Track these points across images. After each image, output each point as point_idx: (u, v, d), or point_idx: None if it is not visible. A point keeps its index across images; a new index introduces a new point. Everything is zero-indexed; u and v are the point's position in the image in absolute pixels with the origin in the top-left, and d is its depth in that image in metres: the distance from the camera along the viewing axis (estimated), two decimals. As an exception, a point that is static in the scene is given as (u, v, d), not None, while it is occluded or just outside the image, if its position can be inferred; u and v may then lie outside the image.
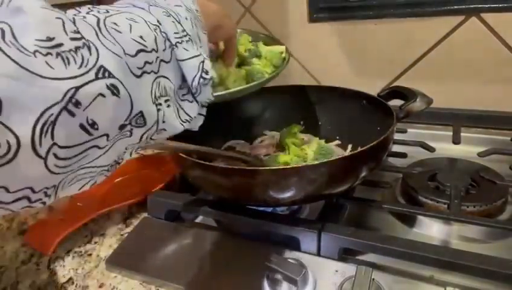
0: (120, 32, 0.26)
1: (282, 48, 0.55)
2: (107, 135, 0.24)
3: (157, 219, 0.53)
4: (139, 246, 0.49)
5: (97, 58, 0.23)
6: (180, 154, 0.44)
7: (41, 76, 0.20)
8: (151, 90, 0.28)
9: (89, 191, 0.64)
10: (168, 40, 0.30)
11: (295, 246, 0.44)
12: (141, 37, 0.27)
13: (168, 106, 0.30)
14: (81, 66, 0.22)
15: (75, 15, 0.25)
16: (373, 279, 0.38)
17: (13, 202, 0.21)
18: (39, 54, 0.20)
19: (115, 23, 0.26)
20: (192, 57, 0.31)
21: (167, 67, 0.30)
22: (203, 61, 0.32)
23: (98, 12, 0.26)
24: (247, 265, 0.43)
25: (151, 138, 0.30)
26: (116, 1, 0.31)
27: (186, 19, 0.33)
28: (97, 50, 0.24)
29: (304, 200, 0.46)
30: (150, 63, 0.28)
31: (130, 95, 0.25)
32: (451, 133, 0.65)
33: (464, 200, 0.48)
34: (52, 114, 0.20)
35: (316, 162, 0.41)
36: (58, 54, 0.21)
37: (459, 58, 0.72)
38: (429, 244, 0.40)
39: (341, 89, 0.62)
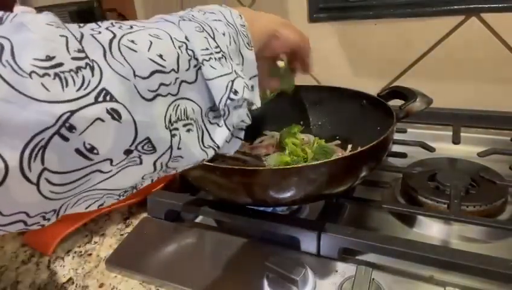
0: (135, 51, 0.24)
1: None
2: (111, 160, 0.23)
3: (157, 219, 0.53)
4: (139, 246, 0.49)
5: (100, 80, 0.22)
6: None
7: (35, 99, 0.19)
8: (165, 115, 0.25)
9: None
10: (195, 58, 0.28)
11: (295, 246, 0.44)
12: (160, 56, 0.25)
13: (188, 130, 0.27)
14: (80, 88, 0.21)
15: (91, 29, 0.24)
16: (373, 279, 0.38)
17: (8, 224, 0.21)
18: (35, 74, 0.19)
19: (132, 41, 0.24)
20: (220, 76, 0.28)
21: (191, 88, 0.27)
22: (233, 80, 0.29)
23: (120, 28, 0.25)
24: (247, 265, 0.43)
25: (167, 166, 0.27)
26: None
27: (224, 34, 0.30)
28: (101, 71, 0.22)
29: (304, 200, 0.46)
30: (167, 85, 0.25)
31: (134, 121, 0.23)
32: (451, 133, 0.65)
33: (464, 200, 0.48)
34: (43, 138, 0.20)
35: (316, 162, 0.41)
36: (56, 75, 0.20)
37: (459, 58, 0.72)
38: (429, 244, 0.40)
39: (341, 89, 0.62)
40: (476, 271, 0.37)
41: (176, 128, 0.26)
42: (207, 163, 0.43)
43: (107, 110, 0.21)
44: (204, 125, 0.29)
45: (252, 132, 0.66)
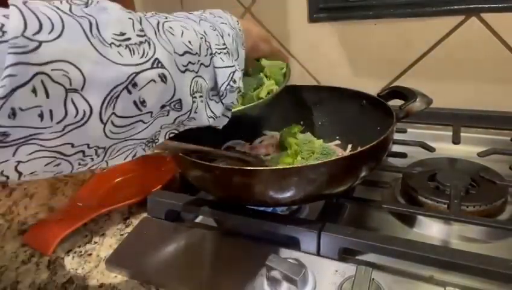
0: (173, 35, 0.33)
1: (283, 64, 0.55)
2: (151, 113, 0.30)
3: (157, 219, 0.53)
4: (139, 246, 0.49)
5: (154, 52, 0.29)
6: (180, 154, 0.44)
7: (114, 62, 0.26)
8: (190, 85, 0.34)
9: (89, 191, 0.64)
10: (210, 48, 0.37)
11: (295, 246, 0.44)
12: (189, 42, 0.34)
13: (201, 101, 0.36)
14: (142, 57, 0.28)
15: (144, 15, 0.31)
16: (373, 279, 0.38)
17: (73, 154, 0.27)
18: (114, 45, 0.26)
19: (170, 27, 0.33)
20: (226, 67, 0.38)
21: (205, 70, 0.36)
22: (234, 72, 0.38)
23: (159, 17, 0.33)
24: (247, 265, 0.43)
25: (182, 123, 0.35)
26: None
27: (229, 35, 0.40)
28: (154, 46, 0.29)
29: (304, 200, 0.46)
30: (193, 64, 0.34)
31: (174, 84, 0.31)
32: (451, 133, 0.65)
33: (464, 200, 0.48)
34: (117, 91, 0.26)
35: (316, 162, 0.41)
36: (126, 46, 0.27)
37: (459, 58, 0.72)
38: (429, 244, 0.40)
39: (341, 89, 0.62)
40: (476, 271, 0.37)
41: (195, 97, 0.34)
42: (207, 163, 0.43)
43: (158, 74, 0.29)
44: (207, 100, 0.37)
45: (252, 132, 0.66)
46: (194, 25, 0.36)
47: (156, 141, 0.34)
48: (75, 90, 0.24)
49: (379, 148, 0.44)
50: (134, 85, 0.27)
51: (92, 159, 0.29)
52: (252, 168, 0.41)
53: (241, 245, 0.46)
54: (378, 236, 0.42)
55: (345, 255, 0.43)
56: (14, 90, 0.22)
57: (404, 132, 0.69)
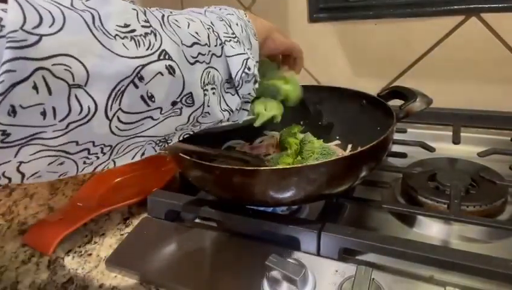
0: (179, 27, 0.32)
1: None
2: (161, 108, 0.29)
3: (157, 219, 0.53)
4: (139, 246, 0.49)
5: (161, 43, 0.28)
6: (180, 154, 0.44)
7: (119, 55, 0.25)
8: (201, 77, 0.32)
9: (89, 191, 0.64)
10: (219, 38, 0.35)
11: (295, 246, 0.44)
12: (196, 32, 0.33)
13: (214, 93, 0.34)
14: (148, 48, 0.27)
15: (148, 8, 0.30)
16: (373, 279, 0.38)
17: (77, 153, 0.26)
18: (118, 37, 0.26)
19: (176, 20, 0.32)
20: (238, 54, 0.36)
21: (218, 61, 0.35)
22: (247, 59, 0.37)
23: (163, 11, 0.32)
24: (247, 265, 0.43)
25: (197, 120, 0.34)
26: None
27: (237, 24, 0.38)
28: (161, 37, 0.28)
29: (304, 200, 0.46)
30: (203, 55, 0.33)
31: (183, 76, 0.30)
32: (451, 133, 0.65)
33: (464, 200, 0.48)
34: (123, 85, 0.26)
35: (316, 162, 0.41)
36: (132, 38, 0.26)
37: (459, 58, 0.72)
38: (429, 244, 0.40)
39: (341, 89, 0.62)
40: (476, 271, 0.37)
41: (207, 90, 0.33)
42: (207, 163, 0.43)
43: (165, 66, 0.28)
44: (221, 92, 0.36)
45: (252, 132, 0.66)
46: (199, 16, 0.35)
47: (169, 141, 0.34)
48: (79, 86, 0.24)
49: (379, 148, 0.44)
50: (141, 79, 0.26)
51: (98, 158, 0.28)
52: (252, 168, 0.41)
53: (241, 245, 0.46)
54: (378, 236, 0.42)
55: (345, 255, 0.43)
56: (13, 86, 0.21)
57: (404, 132, 0.69)
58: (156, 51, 0.28)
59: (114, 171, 0.67)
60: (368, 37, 0.77)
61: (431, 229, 0.48)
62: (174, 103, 0.30)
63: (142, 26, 0.28)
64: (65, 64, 0.23)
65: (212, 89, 0.34)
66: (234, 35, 0.37)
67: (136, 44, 0.26)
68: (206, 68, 0.33)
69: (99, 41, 0.24)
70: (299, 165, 0.42)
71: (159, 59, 0.28)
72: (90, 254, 0.50)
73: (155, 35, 0.28)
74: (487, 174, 0.53)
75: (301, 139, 0.60)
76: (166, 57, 0.28)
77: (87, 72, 0.24)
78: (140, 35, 0.27)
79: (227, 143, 0.65)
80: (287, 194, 0.42)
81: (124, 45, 0.26)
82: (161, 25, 0.30)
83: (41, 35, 0.22)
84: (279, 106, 0.52)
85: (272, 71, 0.53)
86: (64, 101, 0.23)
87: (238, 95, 0.38)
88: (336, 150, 0.60)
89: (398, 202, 0.53)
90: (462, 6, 0.68)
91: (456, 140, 0.64)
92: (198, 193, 0.55)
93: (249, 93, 0.39)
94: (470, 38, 0.70)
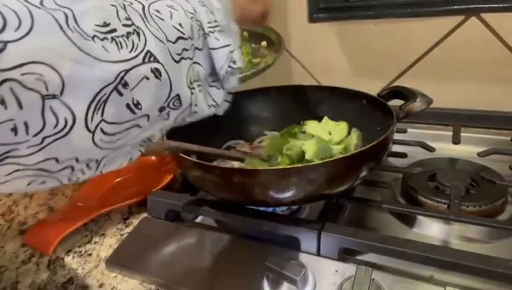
0: (162, 19, 0.28)
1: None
2: (148, 116, 0.27)
3: (157, 219, 0.53)
4: (139, 246, 0.49)
5: (145, 44, 0.25)
6: (180, 154, 0.44)
7: (99, 59, 0.22)
8: (187, 75, 0.30)
9: (89, 191, 0.64)
10: (202, 28, 0.32)
11: (295, 246, 0.44)
12: (180, 24, 0.29)
13: (200, 90, 0.32)
14: (131, 51, 0.24)
15: (124, 2, 0.26)
16: (373, 279, 0.38)
17: (60, 171, 0.24)
18: (97, 38, 0.23)
19: (157, 11, 0.28)
20: (223, 47, 0.33)
21: (200, 55, 0.32)
22: (232, 51, 0.34)
23: None
24: (247, 265, 0.43)
25: (183, 119, 0.32)
26: None
27: (218, 9, 0.34)
28: (145, 36, 0.26)
29: (303, 200, 0.46)
30: (187, 50, 0.30)
31: (170, 79, 0.27)
32: (451, 133, 0.65)
33: (464, 200, 0.48)
34: (105, 93, 0.23)
35: (316, 162, 0.41)
36: (112, 39, 0.23)
37: (459, 58, 0.72)
38: (429, 244, 0.40)
39: (341, 89, 0.62)
40: (476, 271, 0.37)
41: (193, 88, 0.31)
42: (207, 163, 0.43)
43: (151, 69, 0.25)
44: (206, 88, 0.34)
45: (252, 132, 0.66)
46: (181, 2, 0.31)
47: (153, 139, 0.32)
48: (54, 96, 0.21)
49: (379, 148, 0.44)
50: (125, 85, 0.24)
51: (84, 173, 0.26)
52: (252, 168, 0.41)
53: (241, 245, 0.46)
54: (378, 236, 0.42)
55: (345, 255, 0.43)
56: None
57: (404, 132, 0.69)
58: (140, 52, 0.25)
59: (114, 171, 0.67)
60: (368, 37, 0.77)
61: (431, 229, 0.48)
62: (161, 109, 0.28)
63: (124, 24, 0.25)
64: (36, 73, 0.20)
65: (198, 86, 0.32)
66: (217, 24, 0.34)
67: (117, 46, 0.24)
68: (191, 64, 0.31)
69: (74, 44, 0.21)
70: (299, 165, 0.42)
71: (143, 62, 0.25)
72: (90, 254, 0.50)
73: (138, 34, 0.25)
74: (487, 174, 0.53)
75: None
76: (152, 59, 0.26)
77: (62, 80, 0.21)
78: (122, 35, 0.24)
79: (227, 143, 0.65)
80: (287, 194, 0.42)
81: (104, 48, 0.23)
82: (143, 20, 0.27)
83: (5, 42, 0.19)
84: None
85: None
86: (38, 114, 0.21)
87: (223, 88, 0.36)
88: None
89: (398, 202, 0.53)
90: (462, 6, 0.68)
91: (456, 140, 0.64)
92: (198, 193, 0.55)
93: (234, 86, 0.37)
94: (470, 38, 0.70)
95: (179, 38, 0.29)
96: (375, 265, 0.41)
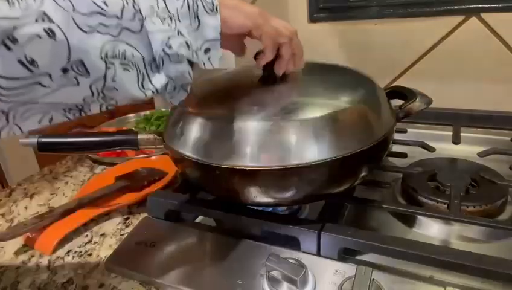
0: None
1: None
2: (50, 75, 0.29)
3: (157, 219, 0.53)
4: (139, 246, 0.49)
5: (40, 5, 0.27)
6: (181, 154, 0.44)
7: None
8: (102, 48, 0.30)
9: (89, 191, 0.64)
10: (139, 12, 0.32)
11: (295, 246, 0.44)
12: (104, 2, 0.30)
13: (125, 69, 0.32)
14: (24, 10, 0.26)
15: None
16: (373, 279, 0.38)
17: None
18: None
19: None
20: (159, 31, 0.33)
21: (133, 37, 0.32)
22: (170, 37, 0.34)
23: None
24: (247, 265, 0.43)
25: (103, 94, 0.32)
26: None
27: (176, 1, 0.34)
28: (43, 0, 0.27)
29: (304, 200, 0.46)
30: (107, 26, 0.30)
31: (68, 42, 0.28)
32: (451, 133, 0.65)
33: (464, 200, 0.48)
34: None
35: (316, 162, 0.41)
36: None
37: (459, 58, 0.72)
38: (429, 244, 0.40)
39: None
40: (476, 271, 0.37)
41: (112, 63, 0.31)
42: (207, 163, 0.43)
43: (44, 29, 0.27)
44: (146, 71, 0.34)
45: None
46: None
47: (85, 111, 0.33)
48: None
49: (379, 148, 0.44)
50: (14, 41, 0.26)
51: None
52: (252, 168, 0.41)
53: (241, 245, 0.46)
54: (378, 236, 0.42)
55: (345, 255, 0.43)
56: None
57: (404, 132, 0.69)
58: (34, 12, 0.27)
59: (114, 171, 0.67)
60: (368, 37, 0.77)
61: (431, 229, 0.48)
62: (64, 70, 0.29)
63: None
64: None
65: (122, 64, 0.32)
66: (166, 11, 0.34)
67: (8, 3, 0.26)
68: (112, 41, 0.31)
69: None
70: (299, 165, 0.42)
71: (36, 21, 0.27)
72: (90, 254, 0.50)
73: None
74: (487, 174, 0.53)
75: None
76: (46, 19, 0.27)
77: None
78: None
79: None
80: (287, 194, 0.42)
81: None
82: None
83: None
84: None
85: None
86: None
87: (164, 75, 0.35)
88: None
89: (398, 202, 0.53)
90: (462, 6, 0.68)
91: (456, 140, 0.64)
92: (198, 193, 0.55)
93: (183, 76, 0.36)
94: (470, 38, 0.70)
95: (95, 12, 0.30)
96: (375, 265, 0.41)
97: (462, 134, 0.65)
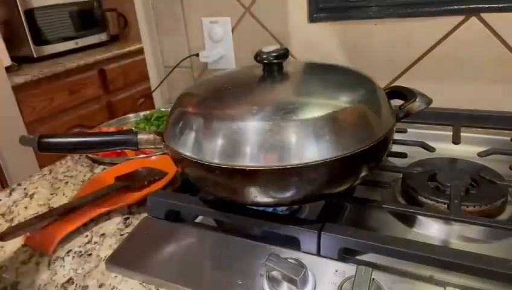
0: None
1: None
2: None
3: (157, 219, 0.53)
4: (139, 246, 0.49)
5: None
6: (181, 154, 0.44)
7: None
8: None
9: (89, 191, 0.64)
10: None
11: (295, 246, 0.44)
12: None
13: None
14: None
15: None
16: (373, 279, 0.38)
17: None
18: None
19: None
20: None
21: None
22: None
23: None
24: (247, 265, 0.43)
25: None
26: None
27: None
28: None
29: (303, 200, 0.46)
30: None
31: None
32: (451, 133, 0.65)
33: (464, 200, 0.48)
34: None
35: (316, 162, 0.41)
36: None
37: (459, 58, 0.72)
38: (429, 244, 0.40)
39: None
40: (476, 271, 0.37)
41: None
42: (207, 163, 0.43)
43: None
44: None
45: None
46: None
47: None
48: None
49: (379, 148, 0.44)
50: None
51: None
52: (252, 168, 0.41)
53: (241, 245, 0.46)
54: (378, 236, 0.42)
55: (345, 255, 0.43)
56: None
57: (404, 132, 0.69)
58: None
59: (114, 171, 0.67)
60: (368, 37, 0.77)
61: (431, 229, 0.48)
62: None
63: None
64: None
65: None
66: None
67: None
68: None
69: None
70: (299, 165, 0.42)
71: None
72: (90, 254, 0.50)
73: None
74: (487, 174, 0.53)
75: None
76: None
77: None
78: None
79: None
80: (287, 194, 0.42)
81: None
82: None
83: None
84: None
85: None
86: None
87: None
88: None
89: (398, 202, 0.53)
90: (462, 6, 0.68)
91: (456, 140, 0.64)
92: (198, 193, 0.55)
93: None
94: (470, 38, 0.70)
95: None
96: (375, 265, 0.41)
97: (462, 134, 0.65)
